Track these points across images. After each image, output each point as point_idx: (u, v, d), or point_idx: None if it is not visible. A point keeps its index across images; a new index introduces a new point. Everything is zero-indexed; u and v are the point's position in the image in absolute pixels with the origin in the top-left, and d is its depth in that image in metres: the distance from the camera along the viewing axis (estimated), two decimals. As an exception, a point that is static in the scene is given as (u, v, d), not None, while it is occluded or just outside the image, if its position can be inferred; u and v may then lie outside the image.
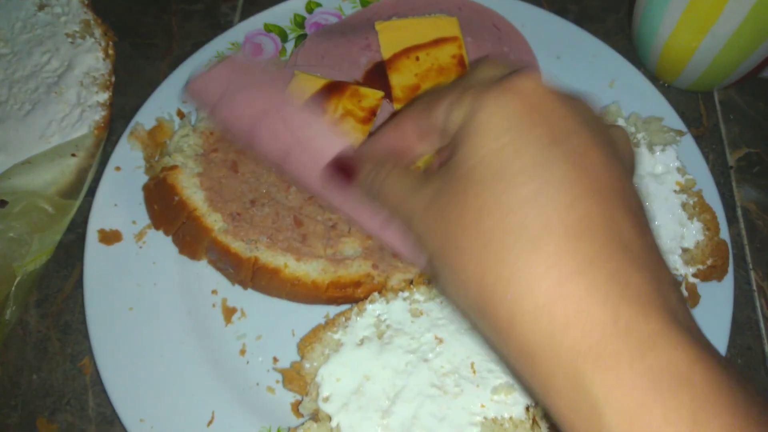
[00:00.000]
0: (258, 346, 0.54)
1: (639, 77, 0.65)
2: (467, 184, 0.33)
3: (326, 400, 0.46)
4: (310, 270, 0.53)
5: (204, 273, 0.56)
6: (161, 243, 0.56)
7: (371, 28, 0.63)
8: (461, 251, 0.32)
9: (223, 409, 0.51)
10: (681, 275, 0.53)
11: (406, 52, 0.61)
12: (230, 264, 0.54)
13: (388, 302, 0.50)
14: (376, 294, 0.50)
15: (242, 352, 0.54)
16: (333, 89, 0.58)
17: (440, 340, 0.48)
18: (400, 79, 0.60)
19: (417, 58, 0.61)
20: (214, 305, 0.56)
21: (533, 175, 0.31)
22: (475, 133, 0.33)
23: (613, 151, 0.34)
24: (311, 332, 0.49)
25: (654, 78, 0.70)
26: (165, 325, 0.54)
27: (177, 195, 0.55)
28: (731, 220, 0.62)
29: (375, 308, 0.50)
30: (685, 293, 0.52)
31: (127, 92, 0.68)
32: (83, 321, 0.54)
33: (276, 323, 0.55)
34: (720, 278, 0.54)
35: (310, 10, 0.70)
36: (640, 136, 0.57)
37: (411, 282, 0.52)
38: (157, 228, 0.57)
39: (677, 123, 0.62)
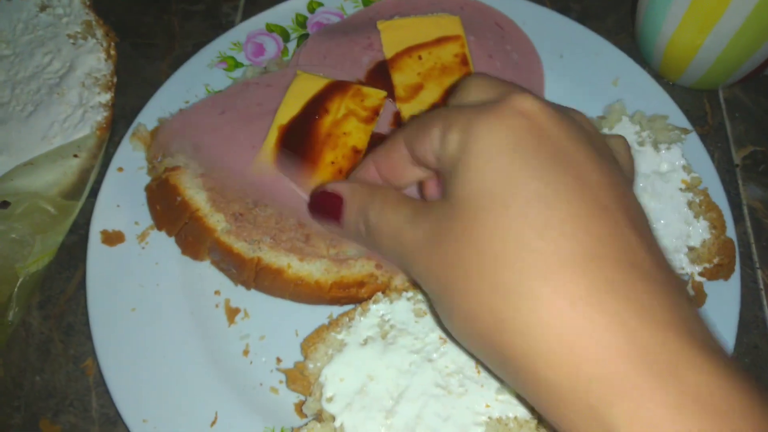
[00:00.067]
0: (261, 347, 0.54)
1: (643, 75, 0.65)
2: (469, 217, 0.32)
3: (330, 400, 0.46)
4: (313, 270, 0.53)
5: (207, 273, 0.56)
6: (164, 244, 0.56)
7: (373, 27, 0.63)
8: (468, 295, 0.31)
9: (226, 410, 0.50)
10: (687, 274, 0.52)
11: (409, 51, 0.61)
12: (233, 264, 0.54)
13: (391, 302, 0.50)
14: (379, 294, 0.50)
15: (245, 352, 0.54)
16: (335, 89, 0.58)
17: (444, 340, 0.47)
18: (403, 79, 0.60)
19: (419, 57, 0.61)
20: (217, 306, 0.55)
21: (540, 205, 0.30)
22: (476, 160, 0.32)
23: (615, 166, 0.34)
24: (314, 332, 0.49)
25: (658, 76, 0.69)
26: (168, 325, 0.54)
27: (179, 195, 0.55)
28: (737, 219, 0.62)
29: (378, 308, 0.49)
30: (692, 292, 0.52)
31: (128, 93, 0.68)
32: (86, 322, 0.54)
33: (279, 323, 0.55)
34: (726, 277, 0.54)
35: (312, 10, 0.70)
36: (645, 134, 0.57)
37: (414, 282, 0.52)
38: (159, 229, 0.57)
39: (682, 121, 0.62)
